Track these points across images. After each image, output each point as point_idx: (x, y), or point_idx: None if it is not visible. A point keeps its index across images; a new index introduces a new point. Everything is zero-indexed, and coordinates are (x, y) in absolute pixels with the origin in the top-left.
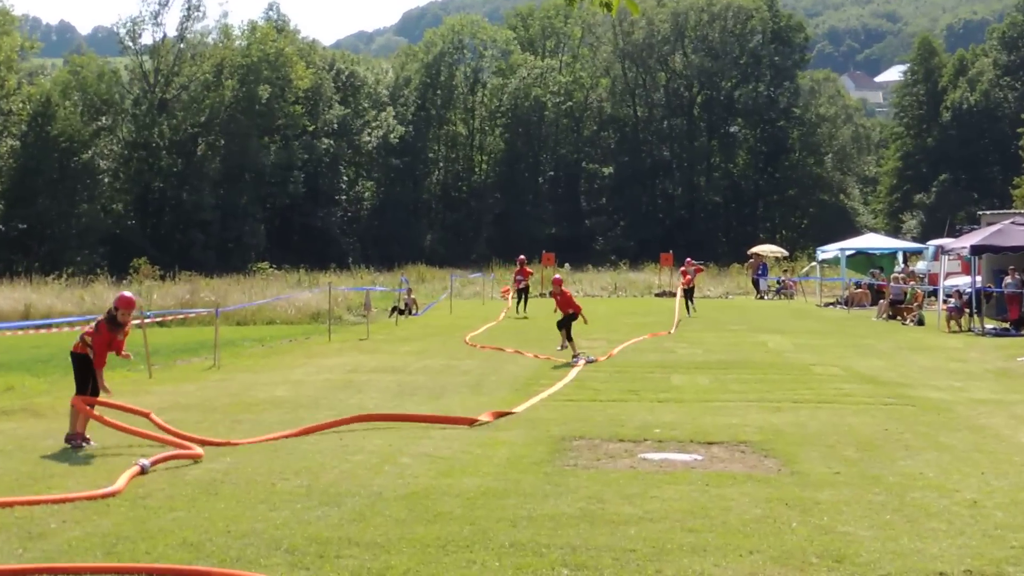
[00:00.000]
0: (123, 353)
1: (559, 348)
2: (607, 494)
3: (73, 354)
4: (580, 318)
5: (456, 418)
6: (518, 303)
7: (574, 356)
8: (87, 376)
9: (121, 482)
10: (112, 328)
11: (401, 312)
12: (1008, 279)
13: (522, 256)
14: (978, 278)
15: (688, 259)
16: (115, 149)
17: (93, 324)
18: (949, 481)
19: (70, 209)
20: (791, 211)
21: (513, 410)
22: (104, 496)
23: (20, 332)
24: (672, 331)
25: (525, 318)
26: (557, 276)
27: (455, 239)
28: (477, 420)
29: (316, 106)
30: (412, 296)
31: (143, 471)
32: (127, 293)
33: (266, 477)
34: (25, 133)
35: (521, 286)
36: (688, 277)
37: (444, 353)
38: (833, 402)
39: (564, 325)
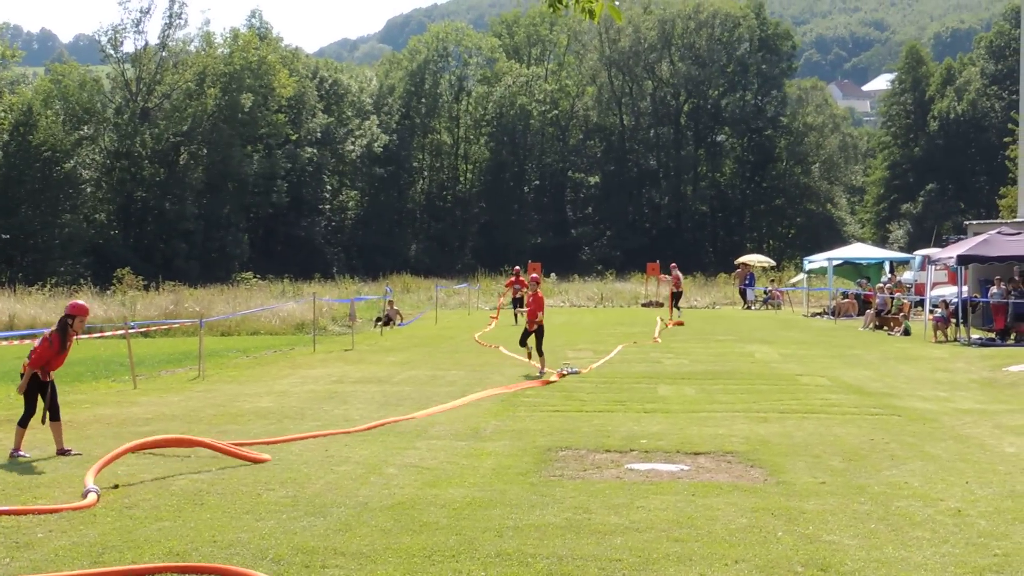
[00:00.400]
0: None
1: (541, 371)
2: (593, 504)
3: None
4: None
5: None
6: (516, 310)
7: (541, 371)
8: (37, 396)
9: (92, 498)
10: (63, 339)
11: (385, 323)
12: (994, 289)
13: (517, 267)
14: (964, 288)
15: (672, 264)
16: (97, 158)
17: (43, 338)
18: (934, 490)
19: (53, 219)
20: (778, 221)
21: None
22: (76, 509)
23: (4, 343)
24: (657, 339)
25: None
26: (535, 275)
27: (440, 249)
28: (549, 380)
29: (299, 114)
30: (395, 307)
31: (98, 496)
32: (80, 301)
33: (252, 487)
34: (7, 143)
35: (519, 295)
36: (677, 277)
37: (430, 364)
38: (819, 412)
39: (537, 339)
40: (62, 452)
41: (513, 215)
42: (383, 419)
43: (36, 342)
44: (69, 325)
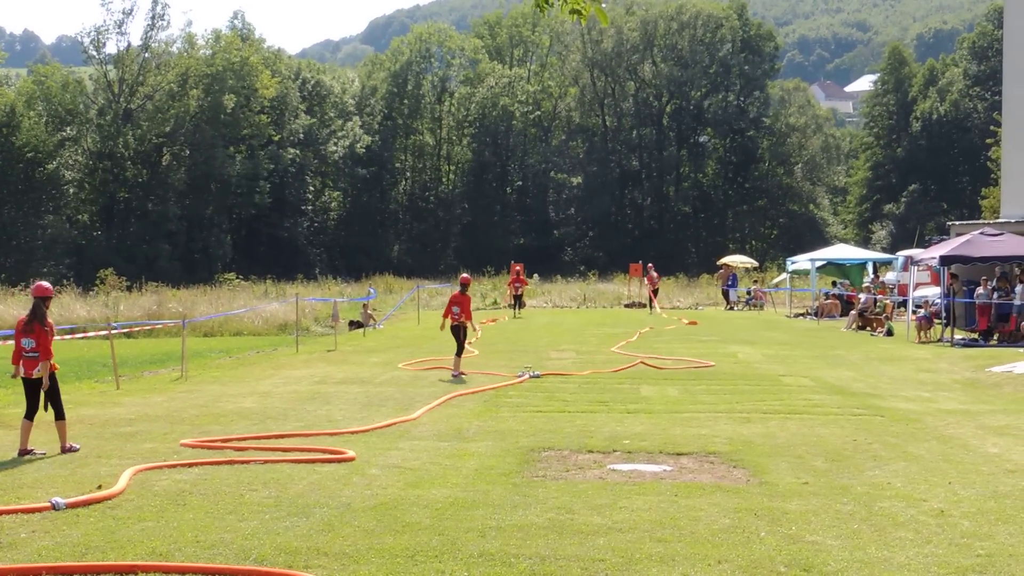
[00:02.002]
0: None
1: (456, 375)
2: (576, 505)
3: (29, 380)
4: (471, 329)
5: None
6: (515, 307)
7: (455, 373)
8: (39, 397)
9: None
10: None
11: (359, 326)
12: (980, 289)
13: (518, 267)
14: (947, 288)
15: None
16: (80, 159)
17: (40, 333)
18: (917, 491)
19: (35, 220)
20: (761, 221)
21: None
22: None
23: None
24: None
25: (520, 318)
26: (466, 275)
27: (422, 250)
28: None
29: (282, 115)
30: (369, 311)
31: (55, 508)
32: (41, 281)
33: (234, 488)
34: None
35: (518, 292)
36: (653, 277)
37: (412, 364)
38: (802, 413)
39: (462, 339)
40: (25, 452)
41: (496, 216)
42: (372, 421)
43: (27, 341)
44: (46, 307)
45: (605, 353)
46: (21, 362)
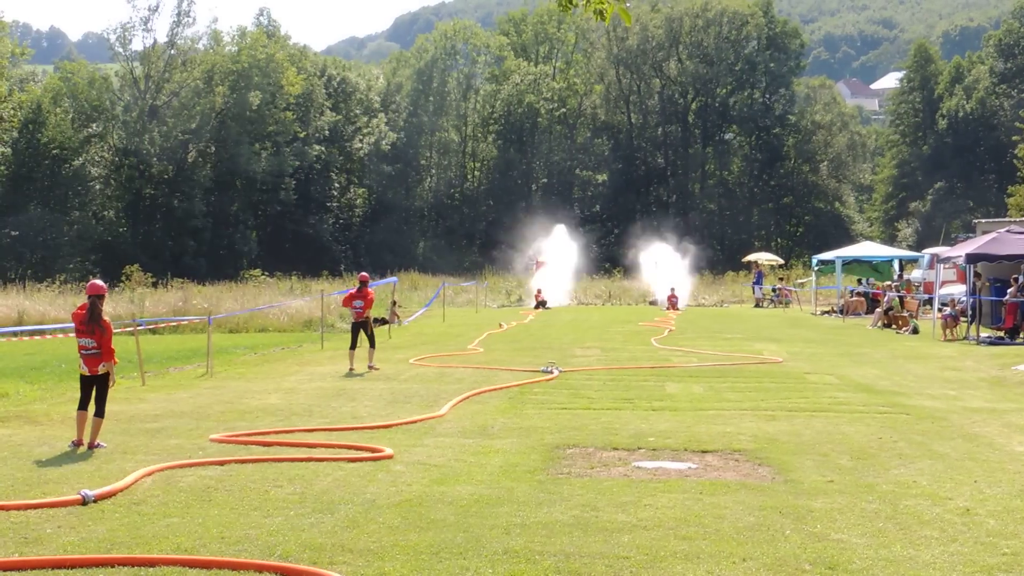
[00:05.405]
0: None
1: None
2: (601, 502)
3: (96, 377)
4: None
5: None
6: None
7: (371, 366)
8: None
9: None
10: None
11: (384, 323)
12: (1012, 288)
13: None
14: (974, 285)
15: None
16: (106, 156)
17: (101, 335)
18: (942, 489)
19: (62, 216)
20: (786, 219)
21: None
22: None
23: (14, 339)
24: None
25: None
26: (364, 274)
27: (447, 247)
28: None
29: (307, 112)
30: (395, 309)
31: (84, 502)
32: (94, 280)
33: (259, 484)
34: (16, 140)
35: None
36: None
37: (436, 361)
38: (827, 411)
39: (369, 332)
40: (94, 445)
41: (521, 213)
42: (397, 417)
43: (86, 340)
44: (101, 306)
45: (633, 350)
46: (82, 360)
